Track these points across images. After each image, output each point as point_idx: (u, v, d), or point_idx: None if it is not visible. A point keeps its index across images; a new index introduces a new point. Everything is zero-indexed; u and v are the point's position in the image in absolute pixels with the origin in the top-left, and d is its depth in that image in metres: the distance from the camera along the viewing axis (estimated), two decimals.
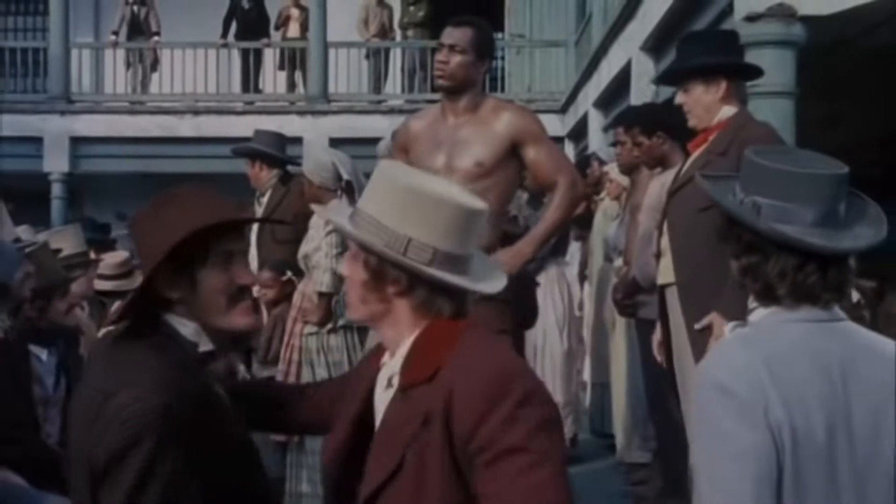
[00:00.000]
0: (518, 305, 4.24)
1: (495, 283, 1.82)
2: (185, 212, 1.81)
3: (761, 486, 1.59)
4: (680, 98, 3.66)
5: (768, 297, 1.74)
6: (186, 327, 1.83)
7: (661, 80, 4.08)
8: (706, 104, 3.57)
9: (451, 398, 1.59)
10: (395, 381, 1.74)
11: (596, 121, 11.23)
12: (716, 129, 3.55)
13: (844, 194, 1.75)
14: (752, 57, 5.30)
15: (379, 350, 1.89)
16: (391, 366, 1.77)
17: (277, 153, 5.56)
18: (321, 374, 4.63)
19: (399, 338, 1.75)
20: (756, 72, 3.90)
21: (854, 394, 1.66)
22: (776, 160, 1.75)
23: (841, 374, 1.67)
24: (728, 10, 6.17)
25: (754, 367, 1.64)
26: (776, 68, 5.37)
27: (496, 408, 1.56)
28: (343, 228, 1.77)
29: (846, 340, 1.72)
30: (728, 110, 3.57)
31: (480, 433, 1.56)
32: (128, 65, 14.55)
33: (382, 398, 1.79)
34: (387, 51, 14.73)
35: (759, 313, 1.77)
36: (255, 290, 5.88)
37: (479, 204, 1.75)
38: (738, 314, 3.16)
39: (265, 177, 5.49)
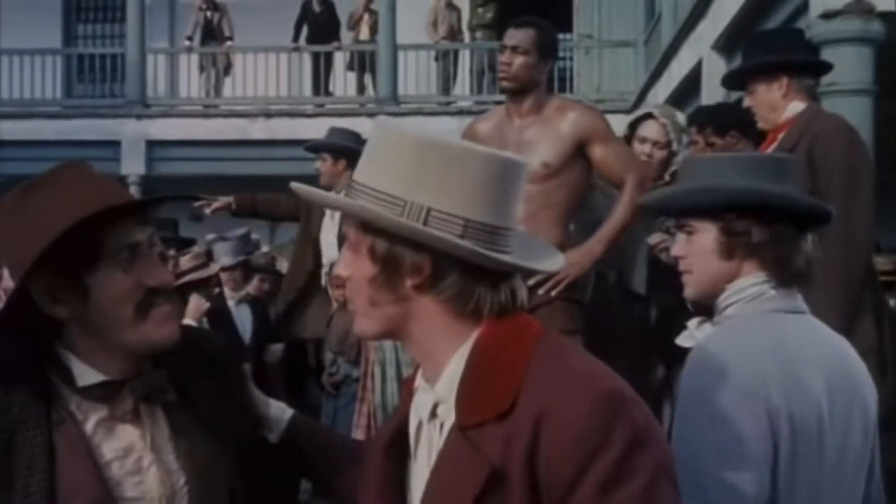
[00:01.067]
0: (661, 340, 4.14)
1: (552, 261, 1.40)
2: (60, 198, 1.38)
3: (762, 472, 1.61)
4: (747, 101, 3.63)
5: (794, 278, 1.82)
6: (69, 359, 1.45)
7: (726, 84, 4.04)
8: (770, 103, 3.53)
9: (535, 445, 1.18)
10: (443, 412, 1.31)
11: None
12: (785, 127, 3.50)
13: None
14: (829, 55, 5.21)
15: (409, 378, 1.45)
16: (436, 390, 1.31)
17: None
18: (391, 373, 4.67)
19: (434, 350, 1.30)
20: (821, 66, 3.83)
21: (833, 384, 1.71)
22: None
23: (823, 365, 1.72)
24: (803, 8, 6.06)
25: (758, 355, 1.67)
26: (854, 66, 5.27)
27: (595, 463, 1.15)
28: (336, 202, 1.34)
29: (817, 333, 1.81)
30: (796, 106, 3.51)
31: (582, 491, 1.16)
32: (201, 69, 14.82)
33: (426, 435, 1.34)
34: (455, 52, 14.77)
35: (738, 302, 1.81)
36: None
37: (515, 156, 1.32)
38: (838, 318, 3.14)
39: (342, 173, 5.41)
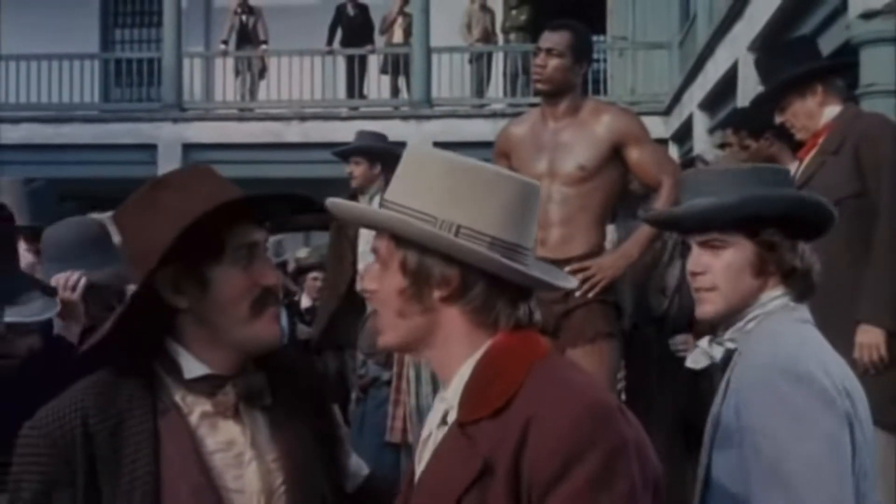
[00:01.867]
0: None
1: (565, 281, 1.46)
2: (189, 194, 1.46)
3: (850, 470, 1.62)
4: (779, 118, 3.60)
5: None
6: (177, 352, 1.51)
7: (761, 103, 4.00)
8: (808, 112, 3.50)
9: (521, 445, 1.24)
10: (451, 417, 1.36)
11: (701, 123, 11.03)
12: (824, 131, 3.47)
13: None
14: (867, 55, 5.16)
15: None
16: (446, 398, 1.38)
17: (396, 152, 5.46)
18: (426, 375, 4.67)
19: (451, 361, 1.36)
20: (846, 66, 3.80)
21: (856, 387, 1.72)
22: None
23: (847, 371, 1.74)
24: (841, 8, 5.99)
25: (820, 361, 1.66)
26: (893, 66, 5.19)
27: (576, 467, 1.19)
28: (374, 217, 1.39)
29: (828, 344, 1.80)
30: (832, 110, 3.49)
31: (558, 494, 1.20)
32: (237, 73, 14.94)
33: (433, 442, 1.40)
34: (489, 55, 14.77)
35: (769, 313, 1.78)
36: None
37: (534, 181, 1.41)
38: (885, 317, 3.08)
39: (376, 176, 5.31)
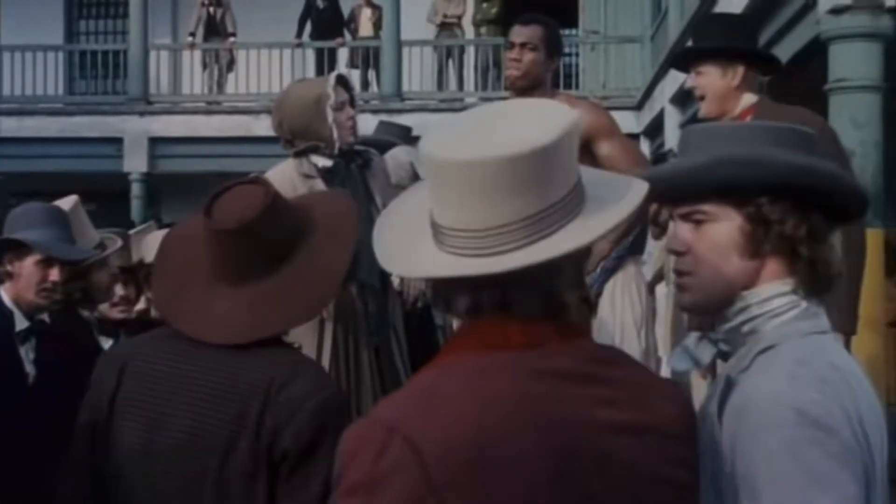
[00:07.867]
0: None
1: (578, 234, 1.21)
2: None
3: None
4: (692, 81, 3.40)
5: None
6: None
7: (675, 65, 3.84)
8: (722, 91, 3.28)
9: None
10: None
11: (673, 117, 11.04)
12: (744, 117, 3.22)
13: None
14: (837, 50, 5.16)
15: None
16: None
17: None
18: None
19: None
20: (774, 61, 3.56)
21: (877, 420, 1.36)
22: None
23: (870, 401, 1.36)
24: (811, 3, 6.00)
25: (841, 401, 1.29)
26: (863, 62, 5.21)
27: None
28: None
29: (849, 358, 1.42)
30: (749, 98, 3.29)
31: None
32: (204, 65, 14.80)
33: None
34: (460, 48, 14.72)
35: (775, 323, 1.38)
36: None
37: (463, 154, 1.17)
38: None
39: None
